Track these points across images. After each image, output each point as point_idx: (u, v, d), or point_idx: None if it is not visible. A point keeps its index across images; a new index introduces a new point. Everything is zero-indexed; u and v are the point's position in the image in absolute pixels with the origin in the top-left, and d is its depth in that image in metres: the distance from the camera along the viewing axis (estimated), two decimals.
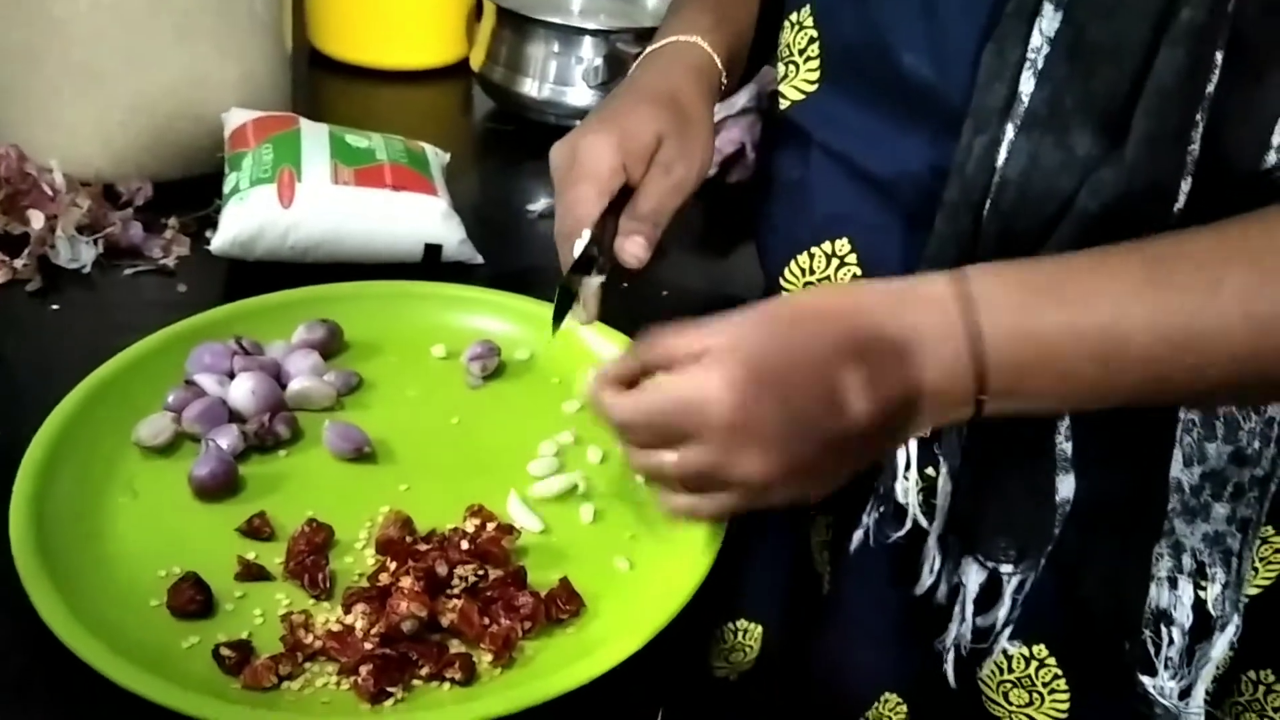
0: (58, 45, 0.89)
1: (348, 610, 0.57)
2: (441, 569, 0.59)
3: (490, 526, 0.62)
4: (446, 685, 0.55)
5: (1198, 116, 0.51)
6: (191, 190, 0.93)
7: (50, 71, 0.90)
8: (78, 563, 0.59)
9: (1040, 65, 0.54)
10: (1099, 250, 0.52)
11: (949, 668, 0.68)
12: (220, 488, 0.65)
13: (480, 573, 0.59)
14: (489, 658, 0.56)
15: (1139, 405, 0.53)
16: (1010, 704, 0.69)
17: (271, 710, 0.52)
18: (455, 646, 0.57)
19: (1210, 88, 0.51)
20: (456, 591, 0.59)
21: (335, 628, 0.56)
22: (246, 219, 0.84)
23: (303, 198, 0.85)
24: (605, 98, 0.73)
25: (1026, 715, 0.69)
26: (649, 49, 0.74)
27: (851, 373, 0.50)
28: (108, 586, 0.58)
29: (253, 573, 0.60)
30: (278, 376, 0.72)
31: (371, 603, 0.57)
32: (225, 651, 0.55)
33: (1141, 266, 0.51)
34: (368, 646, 0.55)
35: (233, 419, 0.69)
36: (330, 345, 0.76)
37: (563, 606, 0.58)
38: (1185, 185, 0.53)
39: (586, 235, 0.64)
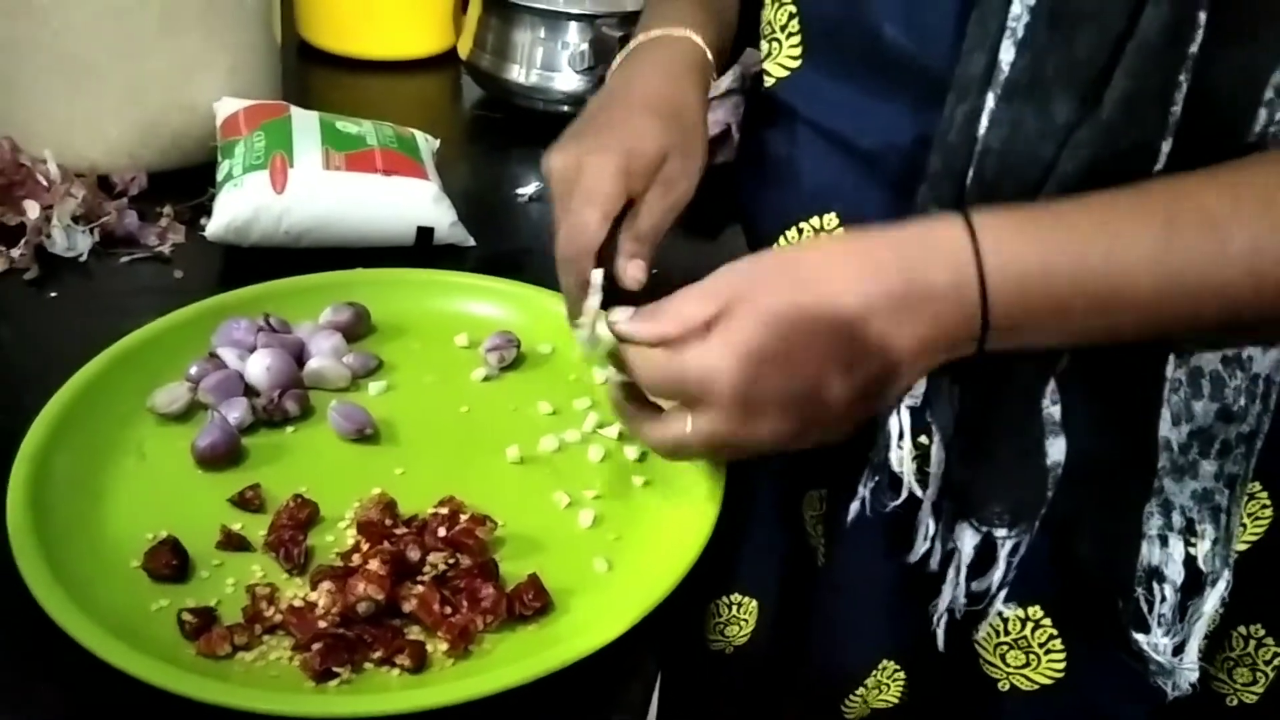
0: (45, 37, 0.90)
1: (314, 587, 0.58)
2: (414, 554, 0.59)
3: (463, 517, 0.61)
4: (396, 671, 0.55)
5: (1181, 77, 0.52)
6: (185, 179, 0.93)
7: (39, 64, 0.91)
8: (71, 519, 0.60)
9: (1020, 34, 0.55)
10: (1111, 195, 0.52)
11: (940, 631, 0.69)
12: (220, 458, 0.65)
13: (451, 561, 0.59)
14: (445, 647, 0.56)
15: (1137, 339, 0.54)
16: (1007, 665, 0.70)
17: (216, 679, 0.52)
18: (415, 633, 0.57)
19: (1193, 47, 0.52)
20: (426, 578, 0.58)
21: (298, 603, 0.56)
22: (240, 205, 0.84)
23: (295, 183, 0.85)
24: (600, 96, 0.71)
25: (1023, 676, 0.70)
26: (640, 39, 0.73)
27: (837, 369, 0.52)
28: (94, 544, 0.59)
29: (234, 542, 0.60)
30: (300, 355, 0.73)
31: (337, 581, 0.57)
32: (187, 617, 0.55)
33: (1148, 217, 0.51)
34: (323, 625, 0.55)
35: (248, 393, 0.70)
36: (356, 328, 0.77)
37: (527, 603, 0.57)
38: (1166, 146, 0.53)
39: (599, 278, 0.63)
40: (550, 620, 0.58)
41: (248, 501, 0.63)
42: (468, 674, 0.54)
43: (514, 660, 0.55)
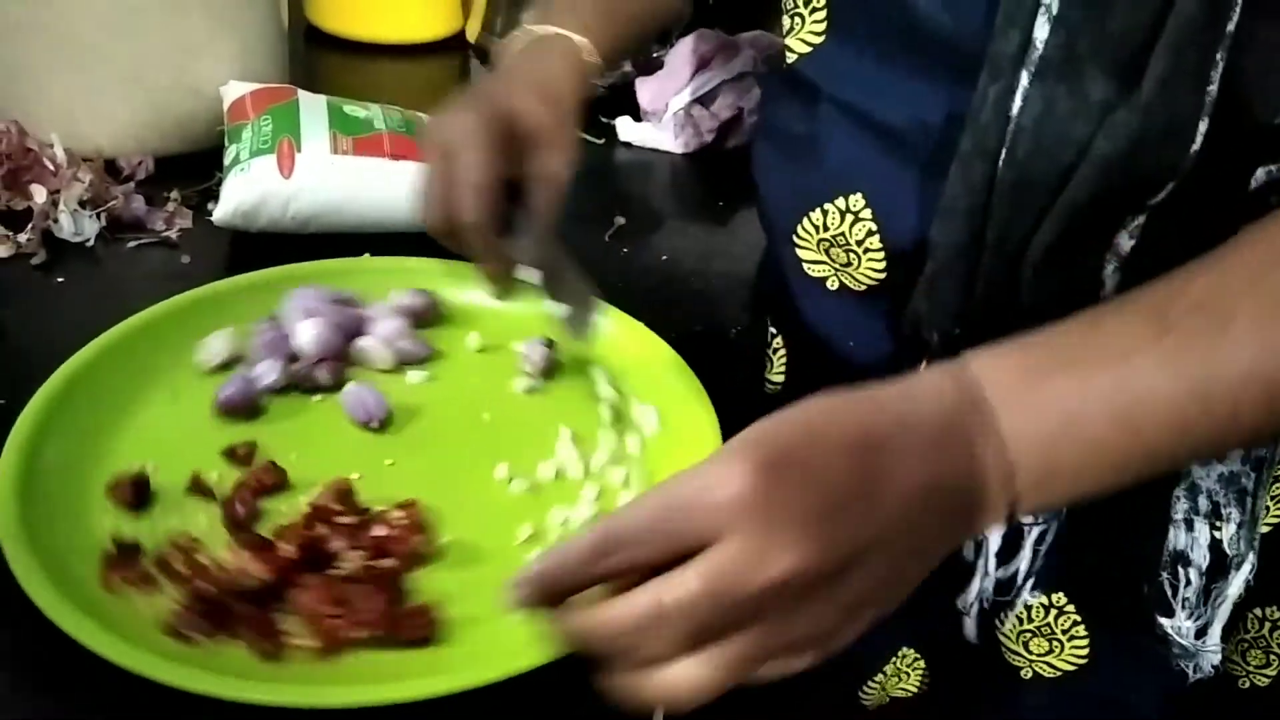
0: (49, 20, 0.89)
1: (236, 550, 0.58)
2: (337, 545, 0.58)
3: (405, 523, 0.60)
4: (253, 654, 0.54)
5: (1218, 55, 0.51)
6: (192, 164, 0.93)
7: (44, 47, 0.90)
8: (72, 452, 0.62)
9: (1055, 10, 0.54)
10: (1094, 311, 0.49)
11: (970, 621, 0.68)
12: (237, 411, 0.68)
13: (369, 563, 0.57)
14: (317, 645, 0.54)
15: (1187, 464, 0.51)
16: (1030, 653, 0.69)
17: (84, 614, 0.52)
18: (291, 624, 0.55)
19: (1231, 25, 0.51)
20: (342, 572, 0.57)
21: (204, 560, 0.57)
22: (248, 190, 0.83)
23: (303, 168, 0.84)
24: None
25: (1046, 663, 0.69)
26: (522, 39, 0.76)
27: (877, 457, 0.43)
28: (82, 477, 0.61)
29: (200, 489, 0.62)
30: (356, 331, 0.74)
31: (254, 551, 0.57)
32: (109, 548, 0.57)
33: (1143, 320, 0.47)
34: (204, 587, 0.55)
35: (296, 357, 0.71)
36: (425, 315, 0.77)
37: (414, 626, 0.55)
38: (1203, 126, 0.52)
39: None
40: (440, 644, 0.56)
41: (237, 456, 0.65)
42: (472, 660, 0.53)
43: (515, 646, 0.52)
